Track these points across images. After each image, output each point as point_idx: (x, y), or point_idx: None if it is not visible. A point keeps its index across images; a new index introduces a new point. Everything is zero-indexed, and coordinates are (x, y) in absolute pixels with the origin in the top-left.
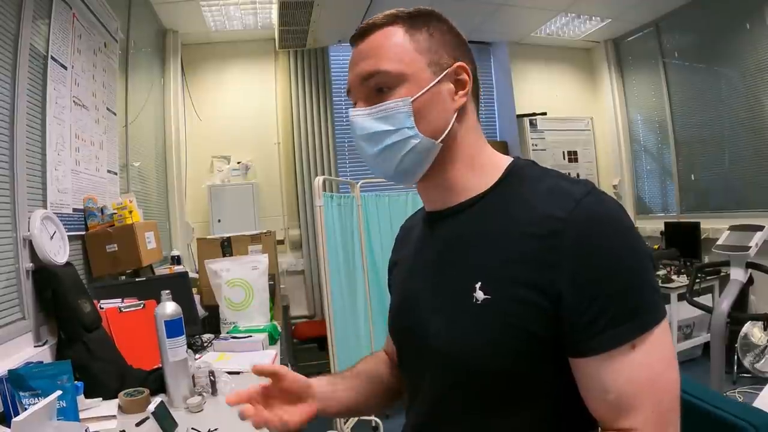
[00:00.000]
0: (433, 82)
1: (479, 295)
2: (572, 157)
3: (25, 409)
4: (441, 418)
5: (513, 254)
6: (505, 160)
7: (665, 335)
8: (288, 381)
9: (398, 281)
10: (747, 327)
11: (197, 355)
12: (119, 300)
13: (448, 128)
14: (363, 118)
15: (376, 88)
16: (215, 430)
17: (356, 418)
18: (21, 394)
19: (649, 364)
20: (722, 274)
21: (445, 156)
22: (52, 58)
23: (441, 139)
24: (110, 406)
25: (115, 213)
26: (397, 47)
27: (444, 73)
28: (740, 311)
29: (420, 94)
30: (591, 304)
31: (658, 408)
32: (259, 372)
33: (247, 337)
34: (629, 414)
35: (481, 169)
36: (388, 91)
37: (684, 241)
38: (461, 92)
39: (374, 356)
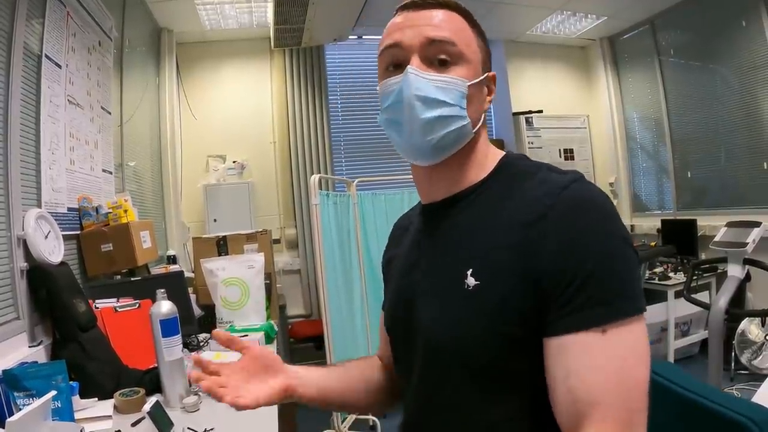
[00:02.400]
0: (482, 77)
1: (470, 281)
2: (568, 154)
3: (20, 409)
4: (436, 405)
5: (503, 241)
6: (499, 154)
7: (641, 331)
8: (252, 354)
9: (394, 276)
10: (744, 324)
11: (193, 354)
12: (114, 299)
13: (480, 123)
14: (422, 81)
15: (440, 55)
16: (211, 429)
17: (353, 417)
18: (15, 394)
19: (620, 355)
20: (719, 271)
21: (465, 148)
22: (46, 56)
23: (475, 130)
24: (106, 406)
25: (110, 212)
26: (466, 32)
27: (485, 75)
28: (738, 308)
29: (475, 81)
30: (568, 284)
31: (625, 405)
32: (218, 339)
33: (243, 336)
34: (592, 407)
35: (483, 163)
36: (451, 65)
37: (681, 238)
38: (489, 98)
39: (366, 358)
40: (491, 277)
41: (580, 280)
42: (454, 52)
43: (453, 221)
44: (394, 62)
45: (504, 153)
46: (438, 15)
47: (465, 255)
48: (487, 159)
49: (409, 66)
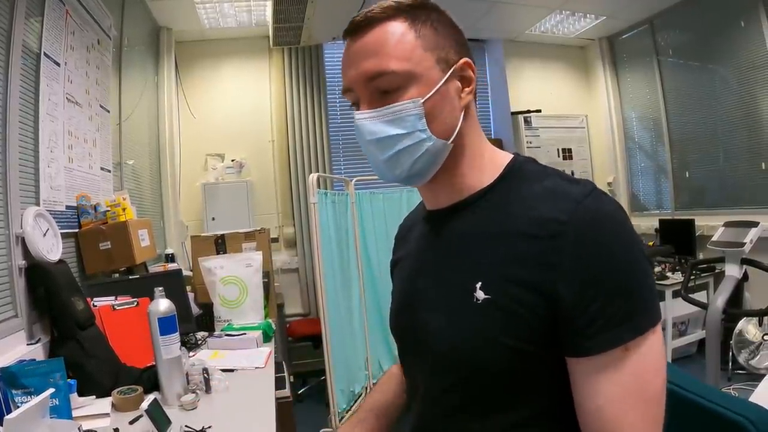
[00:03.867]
0: (442, 81)
1: (480, 294)
2: (567, 154)
3: (18, 407)
4: (441, 416)
5: (514, 255)
6: (505, 157)
7: (658, 340)
8: None
9: (399, 281)
10: (742, 323)
11: (191, 353)
12: (113, 298)
13: (458, 128)
14: (372, 122)
15: (382, 88)
16: (209, 428)
17: (351, 416)
18: (13, 392)
19: (640, 370)
20: (717, 270)
21: (453, 155)
22: (45, 54)
23: (452, 139)
24: (103, 404)
25: (109, 210)
26: (403, 44)
27: (451, 70)
28: (735, 308)
29: (431, 94)
30: (589, 304)
31: (644, 416)
32: None
33: (242, 334)
34: (615, 421)
35: (483, 166)
36: (396, 92)
37: (679, 238)
38: (467, 89)
39: (387, 378)
40: (502, 291)
41: (602, 299)
42: (394, 80)
43: (460, 229)
44: (353, 102)
45: (512, 156)
46: (372, 38)
47: (473, 266)
48: (491, 162)
49: (356, 113)
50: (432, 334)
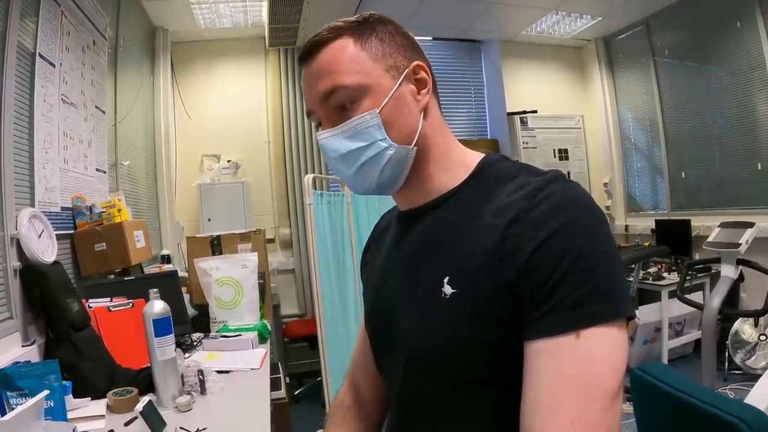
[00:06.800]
0: (395, 87)
1: (447, 289)
2: (563, 155)
3: (13, 408)
4: (420, 411)
5: (479, 247)
6: (476, 157)
7: (621, 338)
8: None
9: (371, 281)
10: (738, 324)
11: (186, 354)
12: (108, 299)
13: (419, 131)
14: (333, 140)
15: (338, 105)
16: (204, 429)
17: None
18: (8, 393)
19: (591, 362)
20: (713, 271)
21: (419, 158)
22: (40, 55)
23: (414, 143)
24: (99, 406)
25: (104, 211)
26: (351, 59)
27: (403, 75)
28: (731, 308)
29: (385, 102)
30: (543, 285)
31: (582, 416)
32: None
33: (237, 336)
34: (549, 415)
35: (452, 166)
36: (352, 106)
37: (675, 238)
38: (423, 91)
39: (340, 413)
40: (467, 284)
41: (555, 280)
42: (348, 94)
43: (428, 227)
44: (317, 123)
45: (483, 155)
46: (323, 59)
47: (441, 262)
48: (461, 162)
49: (318, 133)
50: (405, 333)
